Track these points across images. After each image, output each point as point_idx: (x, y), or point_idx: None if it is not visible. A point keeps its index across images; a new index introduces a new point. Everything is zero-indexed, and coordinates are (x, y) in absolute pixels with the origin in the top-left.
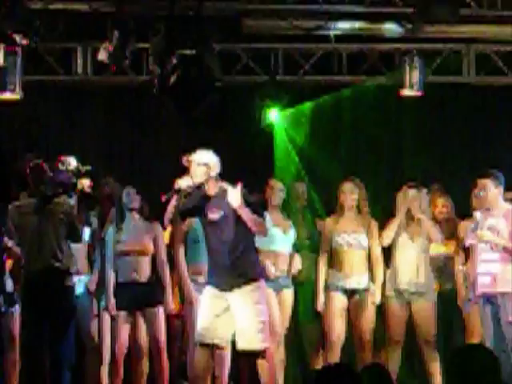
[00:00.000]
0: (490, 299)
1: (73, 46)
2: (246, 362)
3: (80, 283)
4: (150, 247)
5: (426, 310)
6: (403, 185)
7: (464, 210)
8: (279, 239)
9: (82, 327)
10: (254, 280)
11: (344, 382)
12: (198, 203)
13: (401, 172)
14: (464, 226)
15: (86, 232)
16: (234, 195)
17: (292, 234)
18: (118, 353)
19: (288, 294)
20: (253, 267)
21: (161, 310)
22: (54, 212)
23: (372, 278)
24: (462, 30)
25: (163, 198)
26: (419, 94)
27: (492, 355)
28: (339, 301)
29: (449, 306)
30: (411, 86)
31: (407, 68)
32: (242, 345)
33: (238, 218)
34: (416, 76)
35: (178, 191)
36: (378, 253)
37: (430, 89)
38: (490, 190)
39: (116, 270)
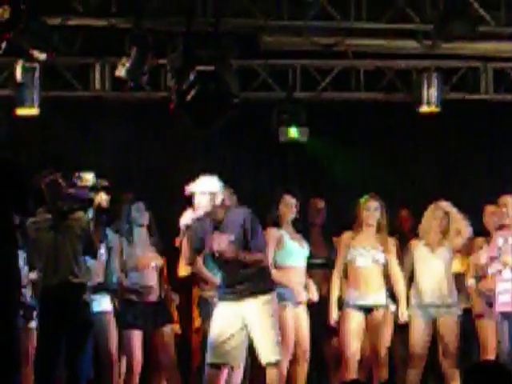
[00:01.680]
0: (507, 316)
1: (91, 62)
2: (258, 375)
3: (99, 299)
4: (160, 262)
5: (450, 326)
6: (420, 201)
7: (478, 227)
8: (296, 253)
9: (99, 343)
10: (266, 292)
11: None
12: (207, 234)
13: (418, 188)
14: (478, 242)
15: (102, 248)
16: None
17: (306, 248)
18: (134, 369)
19: (302, 312)
20: (265, 280)
21: (169, 327)
22: (71, 228)
23: (392, 295)
24: (479, 47)
25: (177, 242)
26: (436, 110)
27: (507, 371)
28: (356, 318)
29: (465, 323)
30: (429, 103)
31: (425, 85)
32: (266, 359)
33: (246, 240)
34: (433, 93)
35: (188, 228)
36: (396, 269)
37: (447, 106)
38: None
39: (127, 285)
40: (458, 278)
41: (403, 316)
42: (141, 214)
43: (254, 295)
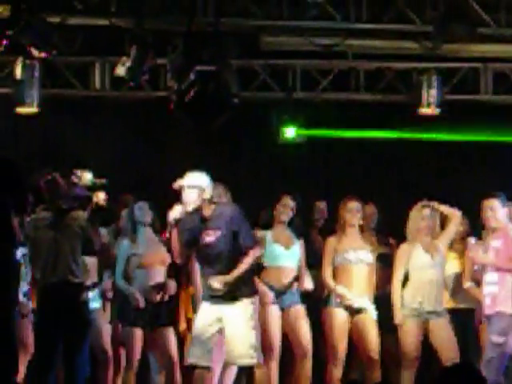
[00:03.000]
0: (488, 319)
1: (91, 61)
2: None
3: (94, 297)
4: (168, 258)
5: (443, 325)
6: (418, 203)
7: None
8: (280, 255)
9: (93, 340)
10: (248, 296)
11: None
12: (195, 230)
13: (417, 190)
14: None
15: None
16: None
17: (296, 249)
18: (133, 365)
19: (299, 311)
20: (248, 284)
21: (171, 327)
22: (70, 226)
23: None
24: (479, 49)
25: (165, 236)
26: (436, 112)
27: (480, 375)
28: (342, 317)
29: (465, 325)
30: (428, 105)
31: (425, 86)
32: (231, 360)
33: (234, 235)
34: (433, 94)
35: (177, 222)
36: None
37: (447, 107)
38: (498, 210)
39: (132, 283)
40: (457, 279)
41: (399, 317)
42: (144, 213)
43: (236, 299)
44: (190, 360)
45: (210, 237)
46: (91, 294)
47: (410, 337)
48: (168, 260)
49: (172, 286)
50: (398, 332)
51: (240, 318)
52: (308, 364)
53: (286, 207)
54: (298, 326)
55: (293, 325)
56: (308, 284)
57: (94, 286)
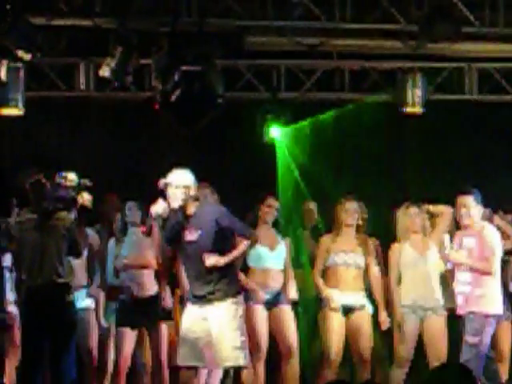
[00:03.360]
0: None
1: (75, 62)
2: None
3: (80, 298)
4: (153, 261)
5: (438, 325)
6: (405, 202)
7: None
8: (265, 256)
9: (81, 343)
10: (233, 296)
11: None
12: (177, 227)
13: (403, 189)
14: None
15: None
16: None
17: (281, 250)
18: (121, 368)
19: (285, 311)
20: (231, 284)
21: (163, 326)
22: (56, 227)
23: (370, 297)
24: (464, 48)
25: (144, 230)
26: (421, 111)
27: (470, 375)
28: (337, 318)
29: (453, 324)
30: (413, 104)
31: (409, 86)
32: (216, 362)
33: (217, 236)
34: (418, 94)
35: (157, 218)
36: (375, 272)
37: (431, 106)
38: (473, 207)
39: (118, 285)
40: (445, 277)
41: (384, 323)
42: (132, 214)
43: (220, 299)
44: (179, 362)
45: (191, 235)
46: (78, 294)
47: (406, 336)
48: (153, 262)
49: (167, 298)
50: (388, 330)
51: (224, 320)
52: (295, 364)
53: (271, 207)
54: (285, 326)
55: (279, 325)
56: (293, 294)
57: (83, 286)
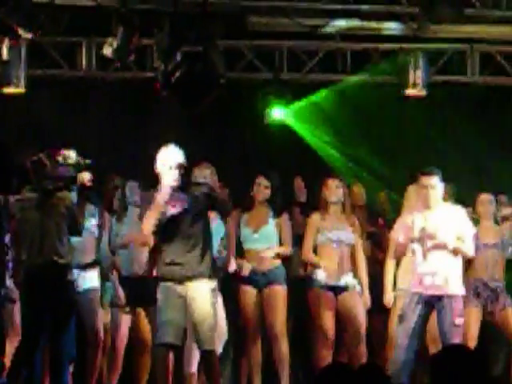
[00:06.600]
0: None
1: (77, 41)
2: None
3: (87, 278)
4: (151, 239)
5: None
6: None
7: None
8: (247, 238)
9: (86, 322)
10: (209, 278)
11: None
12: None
13: (404, 171)
14: None
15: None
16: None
17: (268, 230)
18: (118, 347)
19: (276, 291)
20: (207, 266)
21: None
22: (56, 207)
23: (355, 276)
24: (466, 30)
25: None
26: (423, 93)
27: (479, 355)
28: (328, 297)
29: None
30: (415, 86)
31: (411, 67)
32: (201, 346)
33: (198, 216)
34: (420, 75)
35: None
36: (361, 255)
37: (433, 88)
38: (438, 187)
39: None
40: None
41: (367, 304)
42: (132, 193)
43: (195, 278)
44: (159, 340)
45: (174, 208)
46: (89, 273)
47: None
48: (151, 242)
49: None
50: (387, 313)
51: (201, 302)
52: (284, 344)
53: (261, 186)
54: (273, 307)
55: (268, 305)
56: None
57: (92, 265)
